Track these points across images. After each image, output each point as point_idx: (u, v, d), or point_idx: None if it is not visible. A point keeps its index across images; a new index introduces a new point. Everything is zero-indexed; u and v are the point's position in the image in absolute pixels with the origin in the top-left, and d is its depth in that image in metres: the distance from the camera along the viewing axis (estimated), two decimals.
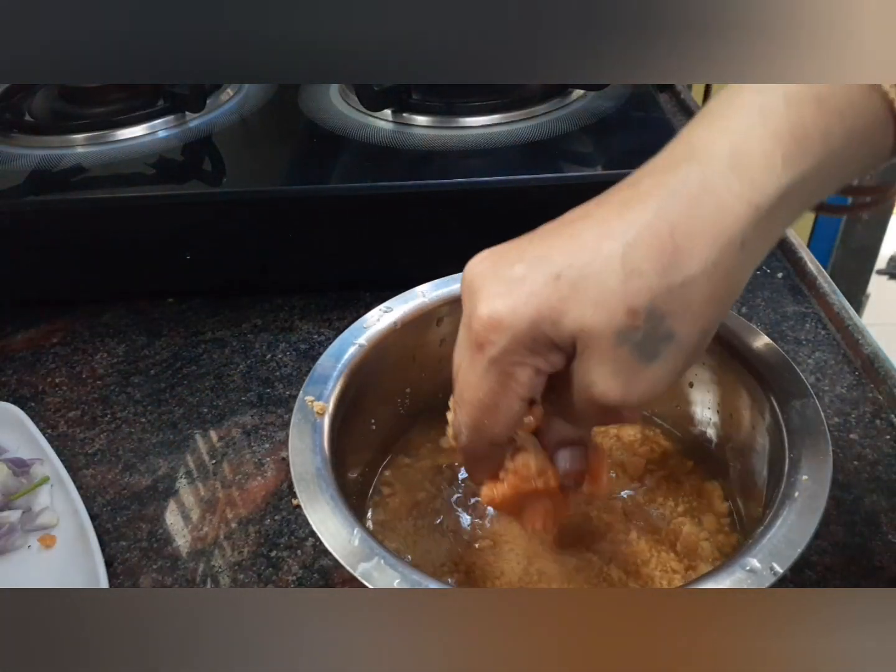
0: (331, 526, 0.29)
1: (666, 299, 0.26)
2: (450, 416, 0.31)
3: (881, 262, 1.91)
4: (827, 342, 0.53)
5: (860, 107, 0.27)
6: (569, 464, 0.32)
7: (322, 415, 0.34)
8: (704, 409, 0.40)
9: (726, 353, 0.37)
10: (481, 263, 0.29)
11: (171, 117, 0.63)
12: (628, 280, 0.26)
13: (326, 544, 0.29)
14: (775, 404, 0.34)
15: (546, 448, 0.32)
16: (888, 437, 0.46)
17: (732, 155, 0.26)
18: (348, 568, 0.28)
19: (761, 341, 0.37)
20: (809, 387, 0.34)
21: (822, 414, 0.33)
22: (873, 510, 0.42)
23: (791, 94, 0.27)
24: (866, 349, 0.51)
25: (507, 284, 0.27)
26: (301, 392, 0.35)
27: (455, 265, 0.42)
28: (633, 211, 0.27)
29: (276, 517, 0.44)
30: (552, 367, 0.28)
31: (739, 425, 0.38)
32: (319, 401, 0.35)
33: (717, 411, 0.40)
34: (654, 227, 0.26)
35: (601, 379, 0.27)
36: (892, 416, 0.48)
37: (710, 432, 0.40)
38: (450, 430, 0.32)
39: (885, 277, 1.94)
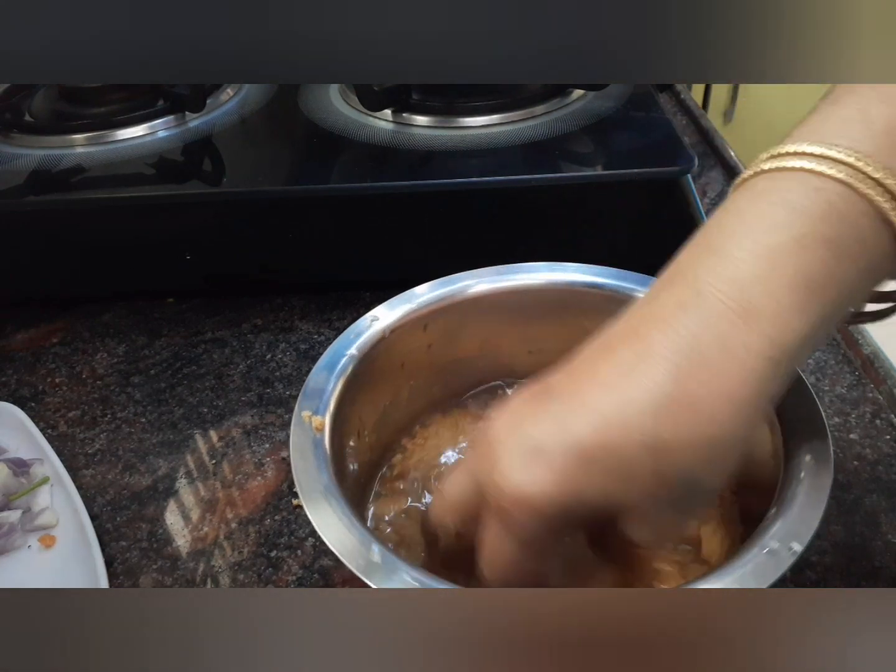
0: (348, 544, 0.29)
1: (697, 469, 0.26)
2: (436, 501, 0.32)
3: None
4: (827, 342, 0.53)
5: (871, 244, 0.26)
6: None
7: (321, 430, 0.34)
8: None
9: None
10: (502, 422, 0.27)
11: (171, 117, 0.63)
12: (653, 452, 0.25)
13: (350, 565, 0.28)
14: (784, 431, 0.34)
15: None
16: (888, 437, 0.46)
17: (745, 307, 0.25)
18: (372, 585, 0.28)
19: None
20: (810, 386, 0.34)
21: (823, 413, 0.33)
22: (873, 510, 0.42)
23: (801, 237, 0.25)
24: (866, 349, 0.51)
25: (525, 455, 0.26)
26: (297, 407, 0.35)
27: (455, 265, 0.42)
28: (645, 375, 0.25)
29: (276, 517, 0.44)
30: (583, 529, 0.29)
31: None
32: (316, 415, 0.34)
33: None
34: (671, 394, 0.25)
35: (642, 535, 0.28)
36: (892, 416, 0.48)
37: None
38: (432, 513, 0.32)
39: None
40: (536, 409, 0.27)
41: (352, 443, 0.38)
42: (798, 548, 0.27)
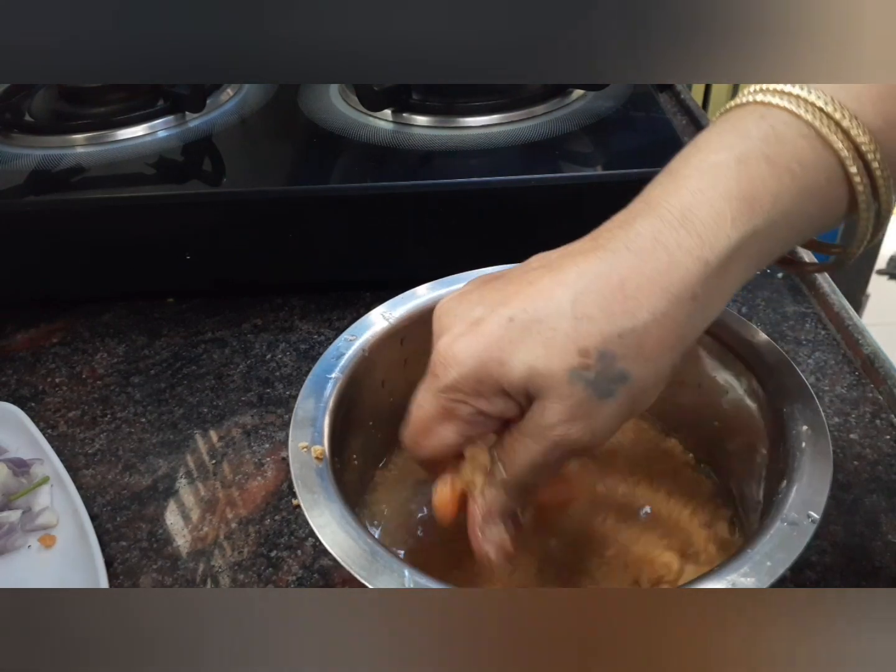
0: (348, 547, 0.29)
1: (617, 343, 0.27)
2: None
3: (881, 262, 1.91)
4: (827, 342, 0.53)
5: (812, 165, 0.28)
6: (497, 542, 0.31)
7: (321, 459, 0.34)
8: (705, 408, 0.40)
9: (727, 352, 0.37)
10: (449, 303, 0.30)
11: (171, 117, 0.63)
12: (578, 324, 0.27)
13: (352, 570, 0.29)
14: (774, 403, 0.34)
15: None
16: (888, 437, 0.46)
17: (683, 213, 0.27)
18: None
19: (761, 340, 0.37)
20: (809, 386, 0.34)
21: (823, 413, 0.33)
22: (873, 510, 0.42)
23: (743, 154, 0.28)
24: (866, 349, 0.51)
25: (466, 324, 0.29)
26: (290, 439, 0.34)
27: (455, 265, 0.42)
28: (587, 261, 0.28)
29: (276, 517, 0.44)
30: (497, 411, 0.29)
31: (738, 423, 0.38)
32: (315, 444, 0.34)
33: (718, 410, 0.40)
34: (605, 276, 0.27)
35: (559, 418, 0.28)
36: (892, 416, 0.48)
37: (711, 431, 0.40)
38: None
39: (885, 277, 1.95)
40: (483, 290, 0.30)
41: (345, 466, 0.37)
42: (816, 516, 0.28)
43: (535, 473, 0.30)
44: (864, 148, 0.27)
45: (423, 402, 0.30)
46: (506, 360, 0.28)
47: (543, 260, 0.30)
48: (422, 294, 0.41)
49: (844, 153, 0.27)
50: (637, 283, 0.27)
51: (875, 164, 0.28)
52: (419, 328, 0.39)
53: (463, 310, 0.29)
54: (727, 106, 0.30)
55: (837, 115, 0.27)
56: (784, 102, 0.28)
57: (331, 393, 0.36)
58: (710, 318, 0.29)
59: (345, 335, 0.39)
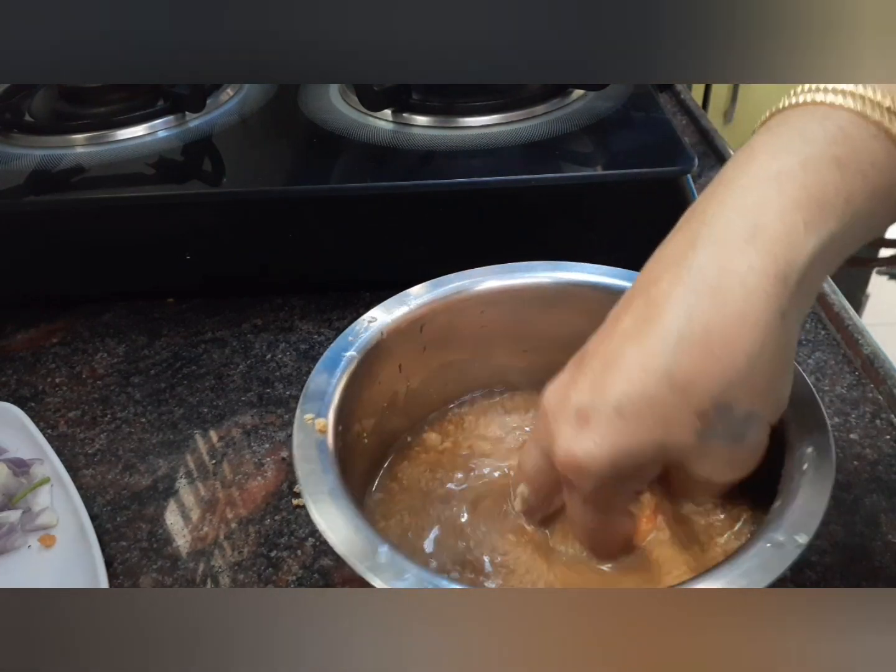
0: (356, 548, 0.29)
1: (728, 394, 0.26)
2: (520, 489, 0.34)
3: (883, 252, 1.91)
4: (827, 342, 0.53)
5: (884, 166, 0.26)
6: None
7: (324, 432, 0.34)
8: None
9: None
10: (553, 395, 0.30)
11: (171, 117, 0.63)
12: (681, 390, 0.26)
13: (358, 568, 0.28)
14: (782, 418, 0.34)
15: None
16: (888, 437, 0.46)
17: (749, 230, 0.26)
18: (382, 585, 0.28)
19: None
20: (823, 408, 0.34)
21: (832, 437, 0.33)
22: (873, 510, 0.42)
23: (808, 159, 0.26)
24: (866, 349, 0.51)
25: (574, 424, 0.28)
26: (298, 410, 0.35)
27: (455, 265, 0.42)
28: (661, 322, 0.26)
29: (276, 517, 0.44)
30: (649, 479, 0.29)
31: None
32: (319, 417, 0.34)
33: None
34: (688, 336, 0.26)
35: (710, 472, 0.28)
36: (892, 416, 0.48)
37: None
38: (517, 502, 0.35)
39: (885, 277, 1.95)
40: (576, 376, 0.29)
41: (353, 444, 0.37)
42: (804, 539, 0.27)
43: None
44: None
45: (579, 513, 0.30)
46: (634, 453, 0.27)
47: (614, 328, 0.28)
48: (418, 294, 0.40)
49: None
50: (721, 328, 0.26)
51: None
52: (440, 316, 0.40)
53: (565, 406, 0.29)
54: (780, 106, 0.29)
55: None
56: (849, 102, 0.26)
57: (343, 370, 0.37)
58: (804, 320, 0.28)
59: (366, 316, 0.39)
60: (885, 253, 0.34)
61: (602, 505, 0.29)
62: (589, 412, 0.27)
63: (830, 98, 0.27)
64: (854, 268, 0.34)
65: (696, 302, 0.26)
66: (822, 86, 0.27)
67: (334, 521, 0.30)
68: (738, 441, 0.28)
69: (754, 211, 0.26)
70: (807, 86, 0.28)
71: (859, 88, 0.26)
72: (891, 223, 0.29)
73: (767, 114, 0.29)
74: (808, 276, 0.26)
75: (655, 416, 0.26)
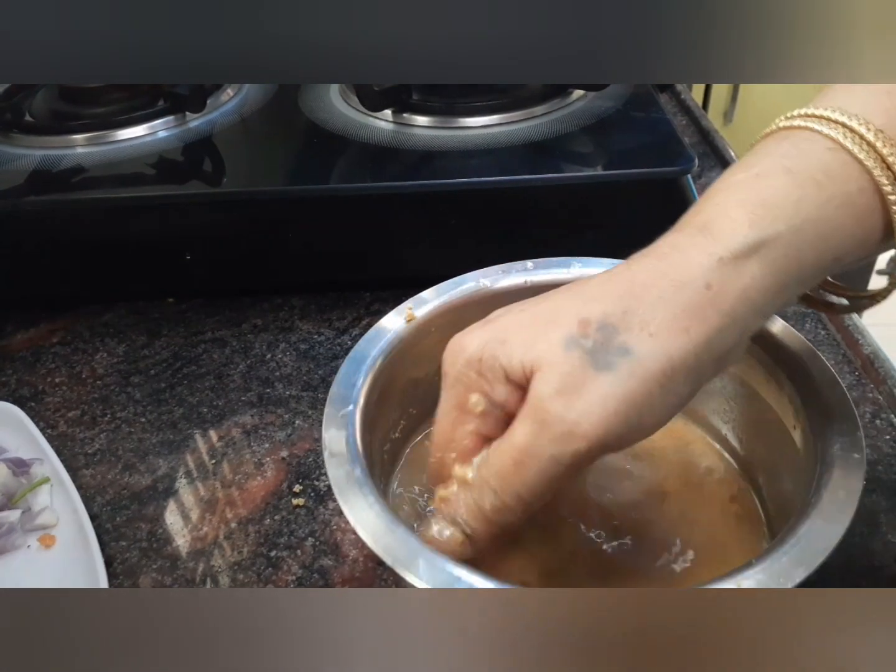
0: (388, 541, 0.29)
1: (620, 317, 0.27)
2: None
3: (881, 262, 1.91)
4: (827, 342, 0.53)
5: (839, 175, 0.27)
6: None
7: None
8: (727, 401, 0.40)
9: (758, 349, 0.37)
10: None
11: (171, 117, 0.63)
12: (584, 304, 0.27)
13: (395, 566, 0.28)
14: (803, 396, 0.34)
15: None
16: (888, 437, 0.46)
17: (702, 224, 0.28)
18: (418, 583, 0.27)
19: (783, 330, 0.36)
20: (837, 376, 0.34)
21: (851, 401, 0.32)
22: (873, 510, 0.42)
23: (763, 170, 0.28)
24: (866, 349, 0.51)
25: (480, 323, 0.30)
26: (329, 397, 0.35)
27: (455, 265, 0.42)
28: (606, 274, 0.29)
29: (276, 517, 0.44)
30: (501, 399, 0.28)
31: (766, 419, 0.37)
32: (348, 404, 0.34)
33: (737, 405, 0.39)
34: (618, 274, 0.28)
35: (551, 389, 0.26)
36: (892, 415, 0.48)
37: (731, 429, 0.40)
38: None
39: (885, 277, 1.94)
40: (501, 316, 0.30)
41: (379, 442, 0.37)
42: (801, 576, 0.26)
43: (523, 473, 0.27)
44: (890, 159, 0.27)
45: (440, 412, 0.30)
46: (508, 339, 0.28)
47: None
48: (448, 289, 0.40)
49: (870, 163, 0.27)
50: (647, 277, 0.27)
51: None
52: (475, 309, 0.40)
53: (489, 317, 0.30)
54: (753, 142, 0.31)
55: (862, 129, 0.27)
56: (808, 123, 0.28)
57: (372, 364, 0.37)
58: (732, 317, 0.27)
59: (404, 306, 0.39)
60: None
61: (456, 397, 0.29)
62: (498, 315, 0.30)
63: (793, 122, 0.29)
64: (811, 307, 0.34)
65: (639, 263, 0.28)
66: (789, 114, 0.29)
67: (364, 515, 0.30)
68: (599, 368, 0.26)
69: (710, 211, 0.28)
70: (779, 117, 0.30)
71: (819, 110, 0.28)
72: (863, 244, 0.29)
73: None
74: (746, 263, 0.27)
75: (546, 318, 0.28)
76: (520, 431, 0.27)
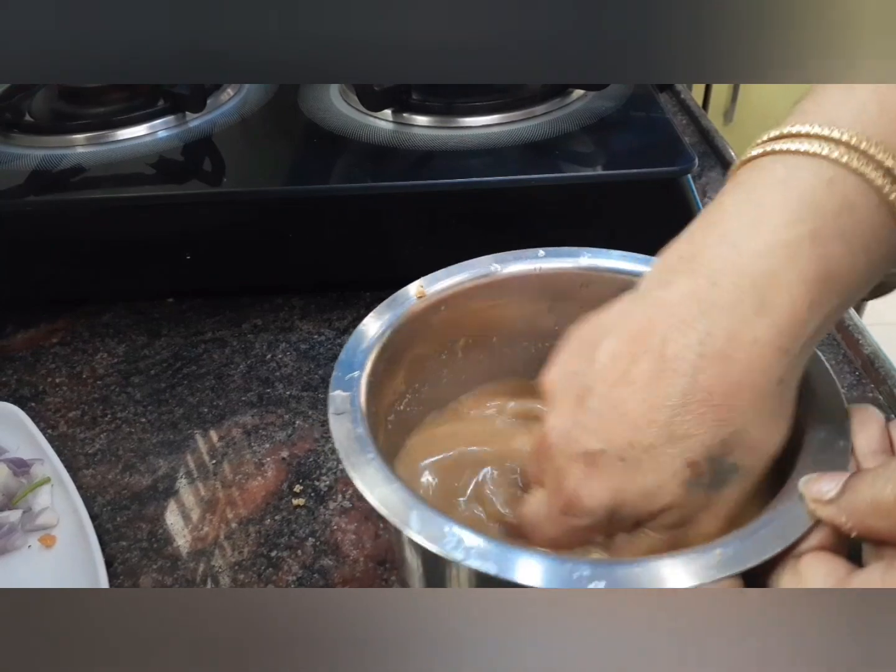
0: (398, 508, 0.29)
1: (721, 448, 0.28)
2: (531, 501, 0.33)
3: None
4: (827, 342, 0.53)
5: (883, 236, 0.27)
6: None
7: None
8: None
9: None
10: (559, 433, 0.30)
11: (171, 117, 0.63)
12: (682, 446, 0.28)
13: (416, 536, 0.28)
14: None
15: None
16: None
17: (758, 303, 0.26)
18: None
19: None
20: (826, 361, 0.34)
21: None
22: None
23: (818, 230, 0.26)
24: (866, 349, 0.51)
25: (583, 465, 0.29)
26: (334, 376, 0.34)
27: (455, 265, 0.42)
28: (668, 379, 0.27)
29: (277, 517, 0.44)
30: (594, 530, 0.30)
31: None
32: (347, 388, 0.34)
33: None
34: (691, 391, 0.27)
35: (679, 520, 0.29)
36: (893, 416, 0.48)
37: None
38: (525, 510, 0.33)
39: (884, 278, 1.94)
40: (580, 416, 0.29)
41: (383, 412, 0.38)
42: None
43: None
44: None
45: (551, 531, 0.31)
46: (629, 501, 0.29)
47: (619, 370, 0.29)
48: (466, 269, 0.40)
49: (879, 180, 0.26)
50: (724, 390, 0.27)
51: None
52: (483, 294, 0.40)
53: (573, 443, 0.30)
54: (775, 147, 0.28)
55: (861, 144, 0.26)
56: (848, 160, 0.26)
57: (374, 343, 0.37)
58: (798, 381, 0.29)
59: (414, 285, 0.39)
60: None
61: (578, 536, 0.31)
62: (597, 457, 0.29)
63: (834, 154, 0.26)
64: None
65: (703, 366, 0.27)
66: (815, 130, 0.27)
67: (373, 482, 0.30)
68: (718, 488, 0.28)
69: (763, 282, 0.26)
70: (800, 127, 0.27)
71: (857, 140, 0.26)
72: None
73: (760, 150, 0.29)
74: (806, 346, 0.28)
75: (651, 464, 0.28)
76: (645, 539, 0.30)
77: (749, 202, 0.28)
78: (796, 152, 0.27)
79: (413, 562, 0.33)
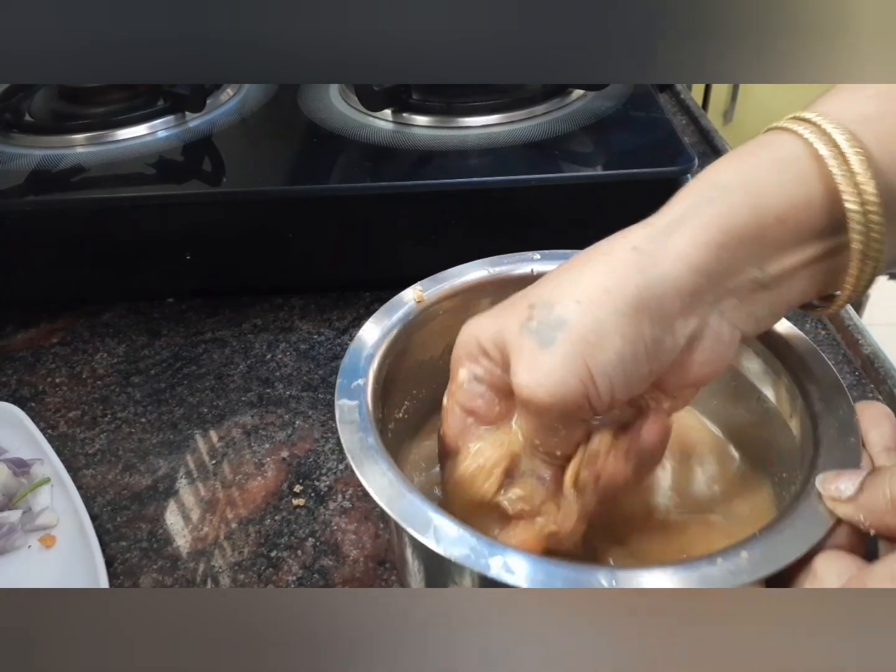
0: (405, 508, 0.29)
1: (554, 292, 0.29)
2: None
3: None
4: (827, 342, 0.53)
5: (770, 144, 0.28)
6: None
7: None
8: (752, 401, 0.40)
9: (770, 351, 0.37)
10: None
11: (171, 117, 0.63)
12: (534, 288, 0.30)
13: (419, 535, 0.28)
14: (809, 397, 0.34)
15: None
16: None
17: (665, 238, 0.29)
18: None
19: (793, 334, 0.36)
20: (827, 359, 0.34)
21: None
22: None
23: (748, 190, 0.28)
24: (866, 349, 0.51)
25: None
26: (340, 378, 0.35)
27: (454, 265, 0.42)
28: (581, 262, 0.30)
29: (277, 517, 0.44)
30: (486, 372, 0.31)
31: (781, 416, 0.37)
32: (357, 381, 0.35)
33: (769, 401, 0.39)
34: (569, 260, 0.31)
35: (517, 370, 0.29)
36: (892, 416, 0.48)
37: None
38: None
39: (885, 277, 1.95)
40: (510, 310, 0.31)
41: (385, 420, 0.37)
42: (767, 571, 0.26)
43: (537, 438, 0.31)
44: (834, 134, 0.27)
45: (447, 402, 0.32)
46: (487, 326, 0.31)
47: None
48: (466, 272, 0.41)
49: (806, 133, 0.27)
50: (583, 255, 0.30)
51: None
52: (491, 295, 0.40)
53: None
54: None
55: (817, 120, 0.27)
56: (789, 125, 0.28)
57: (382, 341, 0.37)
58: (662, 275, 0.28)
59: (410, 290, 0.40)
60: None
61: (452, 379, 0.33)
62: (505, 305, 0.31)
63: (787, 124, 0.28)
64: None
65: (584, 251, 0.31)
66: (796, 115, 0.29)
67: (380, 482, 0.30)
68: (544, 346, 0.28)
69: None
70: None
71: (818, 117, 0.27)
72: (808, 204, 0.28)
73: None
74: (677, 230, 0.28)
75: (514, 301, 0.31)
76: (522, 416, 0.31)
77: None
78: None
79: (421, 569, 0.33)
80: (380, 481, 0.30)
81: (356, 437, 0.32)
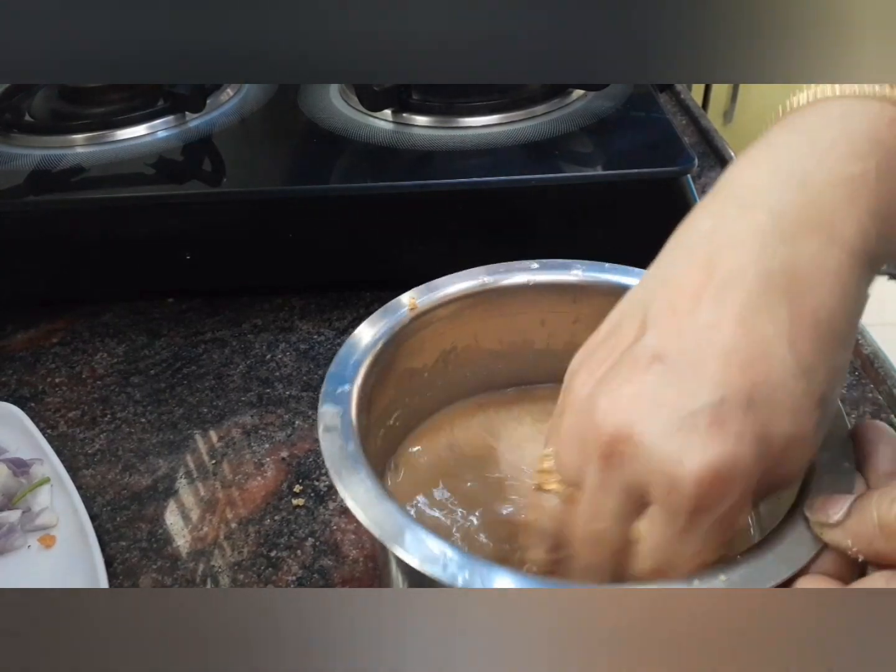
0: (388, 526, 0.28)
1: (835, 379, 0.26)
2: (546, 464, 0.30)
3: None
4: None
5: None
6: None
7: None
8: None
9: None
10: (613, 409, 0.25)
11: (171, 117, 0.63)
12: (809, 382, 0.25)
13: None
14: None
15: None
16: None
17: (825, 233, 0.25)
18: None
19: None
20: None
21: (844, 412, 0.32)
22: None
23: (880, 166, 0.25)
24: (866, 349, 0.51)
25: (702, 431, 0.24)
26: (325, 385, 0.34)
27: (454, 265, 0.42)
28: (761, 302, 0.25)
29: (276, 517, 0.44)
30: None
31: None
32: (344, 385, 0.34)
33: None
34: (798, 321, 0.25)
35: (802, 466, 0.27)
36: (893, 416, 0.48)
37: None
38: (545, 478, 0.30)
39: (885, 277, 1.94)
40: (650, 380, 0.25)
41: (373, 426, 0.37)
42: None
43: None
44: None
45: (680, 538, 0.26)
46: (775, 451, 0.25)
47: (684, 314, 0.25)
48: (454, 282, 0.40)
49: None
50: (814, 319, 0.25)
51: None
52: (477, 307, 0.40)
53: (655, 415, 0.25)
54: (836, 92, 0.27)
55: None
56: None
57: (371, 347, 0.37)
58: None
59: (405, 297, 0.39)
60: None
61: (731, 523, 0.26)
62: (720, 412, 0.23)
63: (886, 92, 0.26)
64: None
65: (786, 286, 0.24)
66: (857, 90, 0.27)
67: (363, 499, 0.29)
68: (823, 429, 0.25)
69: (828, 216, 0.25)
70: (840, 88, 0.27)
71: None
72: None
73: (814, 97, 0.28)
74: (880, 256, 0.26)
75: (785, 405, 0.24)
76: None
77: (802, 139, 0.26)
78: (851, 95, 0.26)
79: (400, 582, 0.32)
80: (357, 488, 0.30)
81: (337, 443, 0.32)
